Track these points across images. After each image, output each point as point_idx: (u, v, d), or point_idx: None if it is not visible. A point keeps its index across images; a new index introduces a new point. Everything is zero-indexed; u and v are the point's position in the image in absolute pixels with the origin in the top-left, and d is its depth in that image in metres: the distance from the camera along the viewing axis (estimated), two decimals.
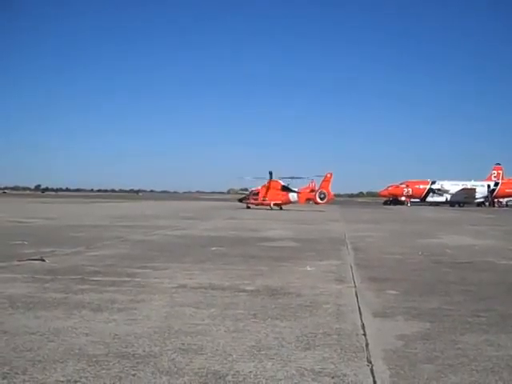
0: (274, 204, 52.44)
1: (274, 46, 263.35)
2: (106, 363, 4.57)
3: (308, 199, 55.90)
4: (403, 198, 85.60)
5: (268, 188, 53.11)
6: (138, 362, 4.61)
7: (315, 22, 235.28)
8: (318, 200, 53.76)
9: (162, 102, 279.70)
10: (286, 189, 53.43)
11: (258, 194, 53.90)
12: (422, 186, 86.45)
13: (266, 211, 45.51)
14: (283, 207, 53.01)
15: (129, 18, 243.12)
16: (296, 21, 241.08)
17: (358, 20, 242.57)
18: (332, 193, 55.87)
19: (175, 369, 4.47)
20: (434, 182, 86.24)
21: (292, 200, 53.91)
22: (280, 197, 53.08)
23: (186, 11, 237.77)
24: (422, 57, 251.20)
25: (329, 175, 53.94)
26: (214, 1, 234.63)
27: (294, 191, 53.82)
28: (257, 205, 53.13)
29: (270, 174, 53.42)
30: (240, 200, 58.38)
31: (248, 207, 53.16)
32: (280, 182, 53.38)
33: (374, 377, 4.39)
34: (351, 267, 10.79)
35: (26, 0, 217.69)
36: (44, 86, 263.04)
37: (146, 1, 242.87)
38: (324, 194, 53.36)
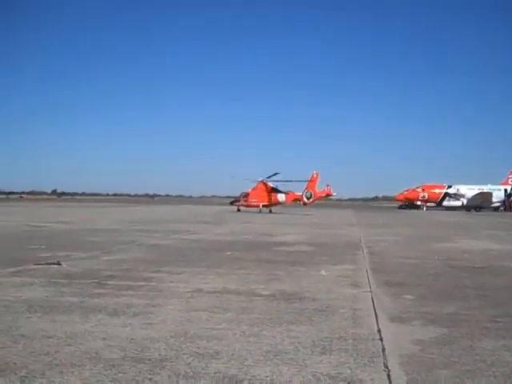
0: (263, 205, 52.97)
1: (273, 48, 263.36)
2: (122, 367, 4.59)
3: (295, 199, 56.44)
4: (419, 203, 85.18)
5: (257, 190, 53.74)
6: (154, 366, 4.62)
7: (314, 24, 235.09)
8: (305, 200, 54.43)
9: (175, 105, 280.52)
10: (274, 190, 54.22)
11: (248, 195, 54.48)
12: (437, 191, 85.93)
13: (279, 216, 45.44)
14: (272, 209, 53.57)
15: (132, 21, 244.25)
16: (295, 22, 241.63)
17: (358, 21, 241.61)
18: (318, 193, 56.27)
19: (191, 373, 4.47)
20: (450, 187, 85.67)
21: (280, 201, 54.81)
22: (269, 198, 53.72)
23: (186, 14, 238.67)
24: (434, 59, 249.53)
25: (315, 175, 54.33)
26: (213, 2, 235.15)
27: (282, 192, 54.61)
28: (246, 206, 53.72)
29: (274, 174, 53.86)
30: (231, 203, 58.95)
31: (238, 210, 53.67)
32: (269, 183, 54.03)
33: (390, 382, 4.36)
34: (367, 272, 10.75)
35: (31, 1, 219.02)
36: (60, 90, 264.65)
37: (146, 4, 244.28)
38: (310, 193, 54.00)
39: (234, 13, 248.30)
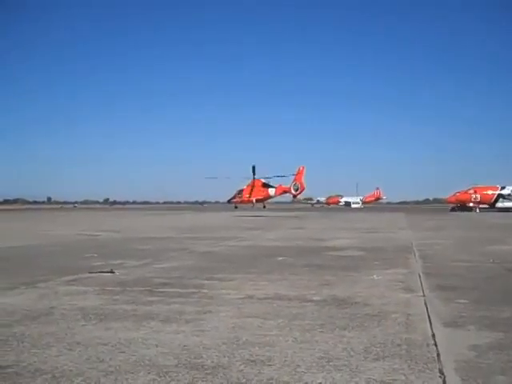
0: (257, 200, 56.70)
1: (273, 51, 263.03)
2: (175, 374, 4.62)
3: (284, 192, 59.24)
4: (471, 204, 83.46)
5: (251, 186, 57.39)
6: (207, 373, 4.64)
7: (314, 26, 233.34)
8: (293, 191, 57.07)
9: (225, 109, 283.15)
10: (266, 185, 58.15)
11: (242, 192, 58.62)
12: (490, 192, 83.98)
13: (328, 221, 45.21)
14: (266, 204, 58.76)
15: (141, 26, 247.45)
16: (294, 25, 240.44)
17: (359, 23, 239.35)
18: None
19: (244, 380, 4.48)
20: (503, 188, 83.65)
21: (271, 195, 58.37)
22: (261, 193, 58.15)
23: (188, 17, 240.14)
24: (491, 61, 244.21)
25: (301, 168, 57.00)
26: (215, 4, 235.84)
27: (273, 186, 58.24)
28: (241, 203, 57.85)
29: (253, 168, 57.52)
30: (229, 201, 62.78)
31: (235, 207, 58.08)
32: (261, 180, 57.56)
33: None
34: (419, 276, 10.58)
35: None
36: (107, 102, 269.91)
37: (152, 8, 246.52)
38: (297, 186, 56.61)
39: (219, 15, 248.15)
